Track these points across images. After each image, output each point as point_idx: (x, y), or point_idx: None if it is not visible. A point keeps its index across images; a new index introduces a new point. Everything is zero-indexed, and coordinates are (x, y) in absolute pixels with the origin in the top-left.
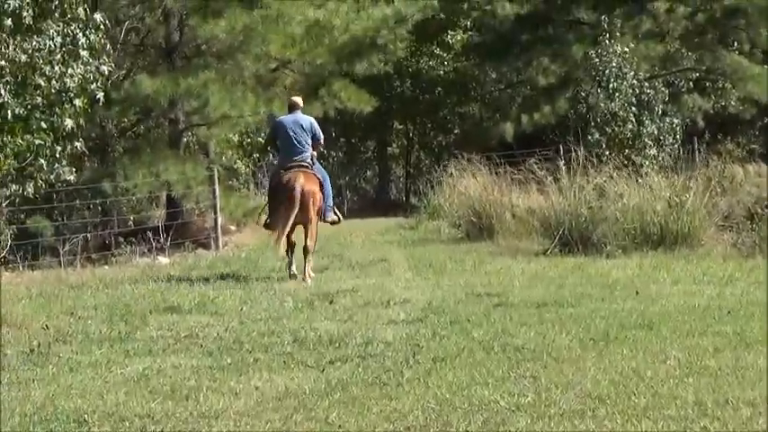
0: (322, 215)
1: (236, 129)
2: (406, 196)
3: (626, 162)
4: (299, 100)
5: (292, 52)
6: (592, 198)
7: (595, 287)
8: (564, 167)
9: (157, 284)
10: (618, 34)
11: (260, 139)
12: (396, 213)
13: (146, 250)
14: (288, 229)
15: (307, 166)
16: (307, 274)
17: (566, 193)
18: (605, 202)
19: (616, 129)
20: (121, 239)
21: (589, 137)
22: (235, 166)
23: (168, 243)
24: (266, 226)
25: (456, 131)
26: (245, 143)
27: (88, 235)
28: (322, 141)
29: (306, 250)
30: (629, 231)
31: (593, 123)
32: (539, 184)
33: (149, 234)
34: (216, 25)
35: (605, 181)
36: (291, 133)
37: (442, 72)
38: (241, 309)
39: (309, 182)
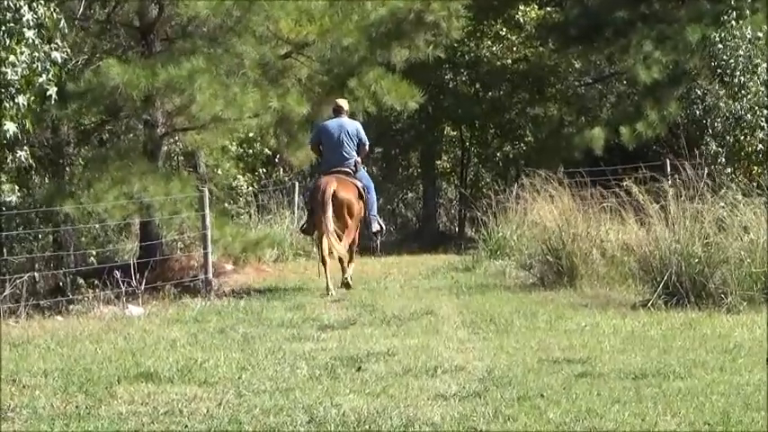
0: (366, 224)
1: (234, 134)
2: (460, 226)
3: (754, 183)
4: (344, 103)
5: (310, 31)
6: (709, 232)
7: (712, 352)
8: (671, 190)
9: (128, 343)
10: (748, 12)
11: (267, 151)
12: (446, 249)
13: (113, 296)
14: (326, 231)
15: (348, 173)
16: (346, 278)
17: (673, 225)
18: (726, 237)
19: (741, 138)
20: (80, 281)
21: (704, 148)
22: (233, 185)
23: (143, 287)
24: (302, 230)
25: (527, 140)
26: (245, 154)
27: (36, 275)
28: (368, 147)
29: (341, 257)
30: (758, 277)
31: (709, 131)
32: (638, 213)
33: (117, 275)
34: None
35: (726, 209)
36: (336, 139)
37: (509, 61)
38: (239, 377)
39: (345, 189)
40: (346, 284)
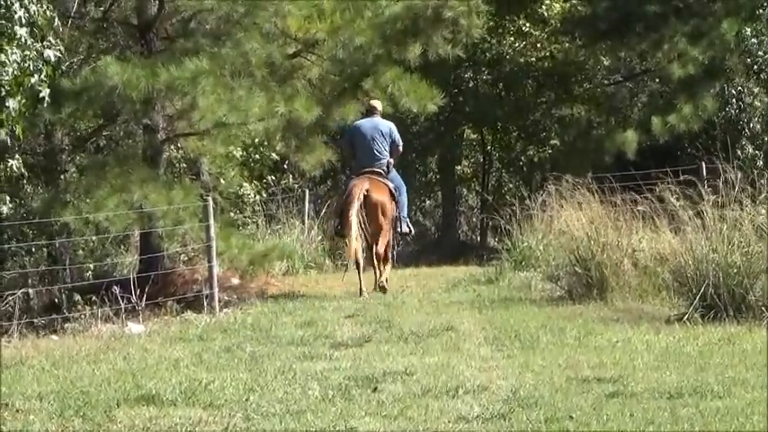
0: (397, 226)
1: (239, 140)
2: (482, 236)
3: None
4: (377, 103)
5: (320, 29)
6: (748, 240)
7: (752, 369)
8: (709, 196)
9: (128, 363)
10: None
11: (274, 156)
12: (467, 260)
13: (111, 313)
14: (354, 230)
15: (380, 173)
16: (381, 281)
17: (710, 232)
18: (767, 246)
19: None
20: (77, 298)
21: (739, 151)
22: (239, 193)
23: (143, 303)
24: (335, 232)
25: (553, 143)
26: (250, 160)
27: (30, 291)
28: (401, 148)
29: (378, 257)
30: None
31: (746, 132)
32: (672, 220)
33: (116, 290)
34: None
35: (766, 216)
36: (370, 139)
37: (533, 58)
38: (247, 399)
39: (377, 190)
40: (382, 288)
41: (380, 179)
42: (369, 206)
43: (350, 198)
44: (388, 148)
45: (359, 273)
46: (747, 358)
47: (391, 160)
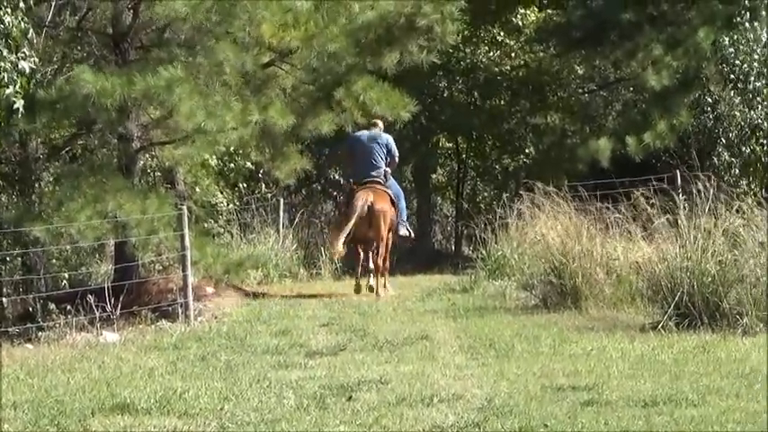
0: (395, 230)
1: (214, 148)
2: (457, 244)
3: None
4: (380, 122)
5: (294, 37)
6: (722, 249)
7: (727, 378)
8: (683, 204)
9: (103, 372)
10: (764, 13)
11: (249, 165)
12: (441, 269)
13: (86, 322)
14: (345, 233)
15: (380, 182)
16: (382, 289)
17: (685, 241)
18: (741, 254)
19: (757, 148)
20: (52, 306)
21: (715, 159)
22: (213, 202)
23: (118, 312)
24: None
25: (528, 152)
26: (226, 169)
27: (4, 300)
28: (397, 159)
29: (377, 269)
30: None
31: (722, 140)
32: (646, 229)
33: (91, 299)
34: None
35: (741, 225)
36: (368, 149)
37: (507, 67)
38: (221, 408)
39: (380, 199)
40: (372, 289)
41: (381, 187)
42: (372, 214)
43: (354, 207)
44: (384, 158)
45: (358, 271)
46: (722, 366)
47: (388, 170)
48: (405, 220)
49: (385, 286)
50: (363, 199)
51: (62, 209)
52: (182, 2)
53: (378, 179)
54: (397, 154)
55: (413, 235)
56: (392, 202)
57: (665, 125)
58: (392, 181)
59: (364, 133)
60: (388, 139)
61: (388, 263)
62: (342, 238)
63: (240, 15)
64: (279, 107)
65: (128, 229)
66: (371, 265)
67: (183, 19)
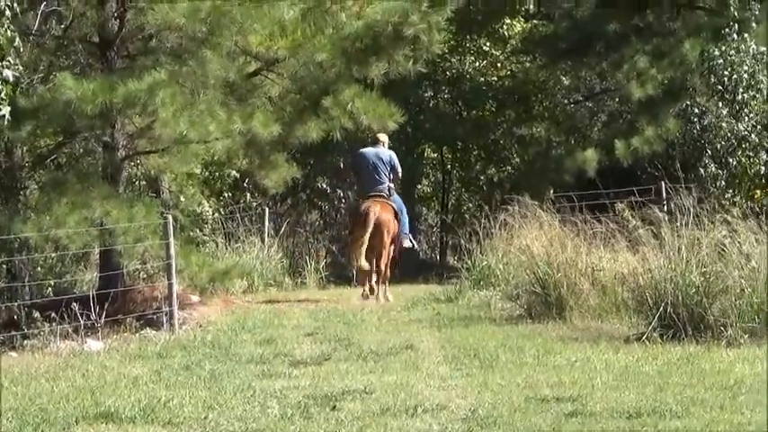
0: (398, 241)
1: (200, 158)
2: (441, 254)
3: (757, 208)
4: (382, 137)
5: (281, 46)
6: (707, 260)
7: (711, 389)
8: (667, 216)
9: (87, 380)
10: (754, 25)
11: (234, 173)
12: (426, 279)
13: (70, 330)
14: (364, 246)
15: (384, 196)
16: (384, 296)
17: (669, 252)
18: (726, 266)
19: (744, 160)
20: (36, 314)
21: (701, 170)
22: (198, 210)
23: (102, 320)
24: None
25: (513, 162)
26: (211, 178)
27: None
28: (400, 175)
29: (379, 273)
30: (760, 308)
31: (708, 152)
32: (631, 240)
33: (75, 307)
34: (172, 8)
35: (726, 236)
36: (372, 165)
37: (494, 78)
38: (206, 417)
39: (384, 211)
40: (371, 290)
41: (385, 201)
42: (377, 226)
43: (363, 220)
44: (387, 174)
45: (366, 278)
46: (706, 378)
47: (392, 185)
48: (407, 232)
49: (386, 293)
50: (370, 209)
51: (48, 215)
52: (178, 11)
53: (382, 193)
54: (400, 170)
55: (416, 246)
56: (395, 215)
57: (652, 131)
58: (396, 196)
59: (370, 150)
60: (392, 155)
61: (389, 272)
62: (363, 252)
63: (230, 25)
64: (262, 117)
65: (113, 236)
66: (374, 269)
67: (178, 27)
